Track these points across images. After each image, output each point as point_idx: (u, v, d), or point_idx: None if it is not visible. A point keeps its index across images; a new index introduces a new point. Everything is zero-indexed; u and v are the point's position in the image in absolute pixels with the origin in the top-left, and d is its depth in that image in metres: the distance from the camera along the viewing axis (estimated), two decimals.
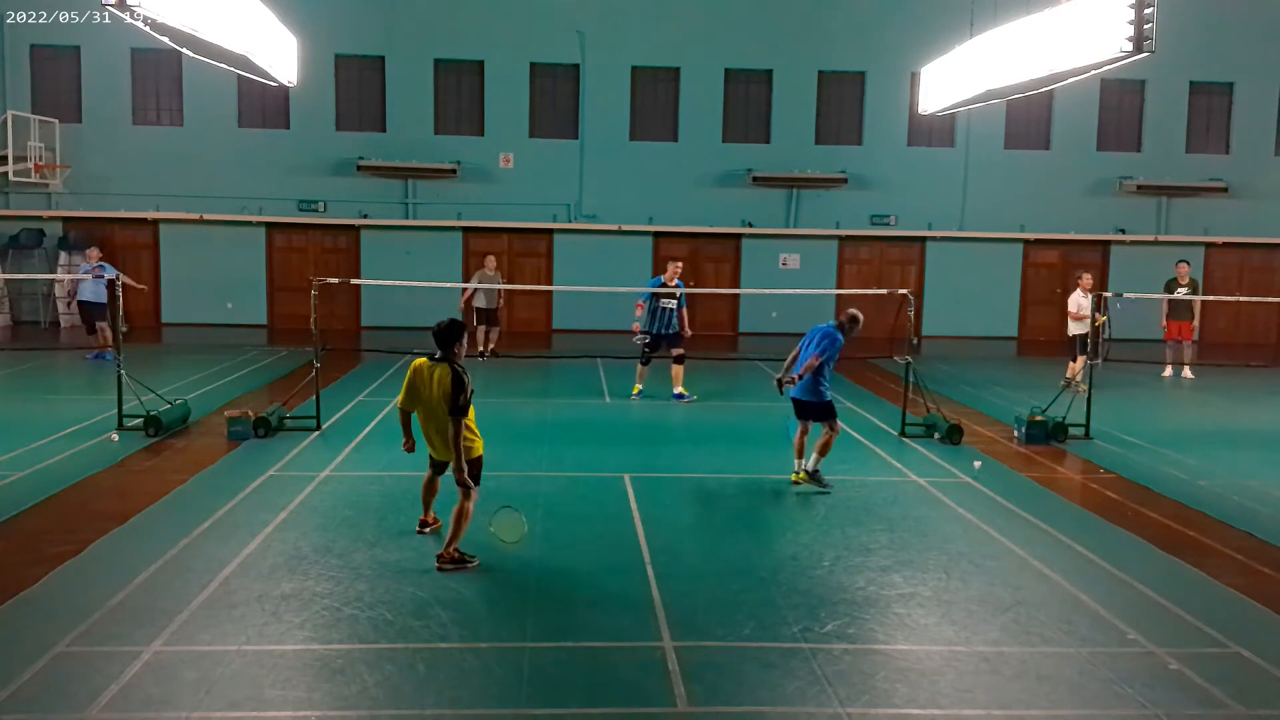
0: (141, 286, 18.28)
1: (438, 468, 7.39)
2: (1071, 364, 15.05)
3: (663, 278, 13.49)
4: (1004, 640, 5.70)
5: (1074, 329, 15.08)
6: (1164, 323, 16.68)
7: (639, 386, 13.62)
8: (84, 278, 16.12)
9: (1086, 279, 15.16)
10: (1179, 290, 16.20)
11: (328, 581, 6.38)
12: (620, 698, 4.95)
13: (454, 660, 5.28)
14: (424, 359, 6.88)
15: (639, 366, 13.63)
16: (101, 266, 15.94)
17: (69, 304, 17.18)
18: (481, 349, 16.44)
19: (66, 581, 6.30)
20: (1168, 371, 16.83)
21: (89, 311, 16.27)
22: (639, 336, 13.37)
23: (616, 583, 6.55)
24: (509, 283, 21.61)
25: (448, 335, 6.79)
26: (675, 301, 13.31)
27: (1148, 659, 5.46)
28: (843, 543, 7.46)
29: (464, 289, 16.53)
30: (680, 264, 13.76)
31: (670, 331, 13.33)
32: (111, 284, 11.36)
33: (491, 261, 16.34)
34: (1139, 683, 5.15)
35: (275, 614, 5.82)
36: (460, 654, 5.35)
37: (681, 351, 13.50)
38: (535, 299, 22.92)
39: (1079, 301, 14.80)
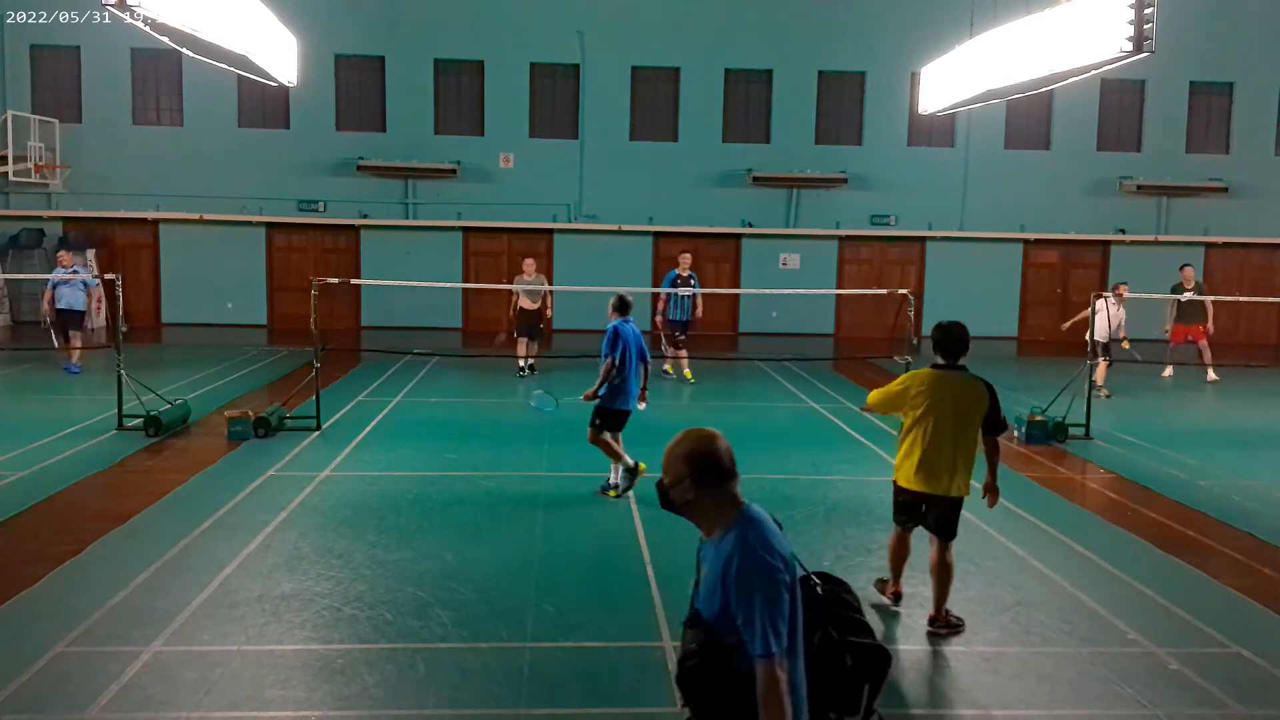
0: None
1: (915, 509, 5.96)
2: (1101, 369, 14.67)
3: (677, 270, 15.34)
4: (1004, 640, 5.70)
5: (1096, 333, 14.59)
6: (1167, 327, 16.48)
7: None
8: (68, 278, 15.03)
9: (1123, 289, 14.70)
10: (1185, 294, 16.00)
11: (328, 581, 6.37)
12: (620, 698, 4.95)
13: (454, 660, 5.28)
14: (931, 369, 5.91)
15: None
16: (75, 270, 15.35)
17: (48, 318, 15.61)
18: (522, 364, 15.53)
19: (66, 581, 6.30)
20: (1168, 372, 16.78)
21: (66, 320, 15.23)
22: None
23: (616, 583, 6.55)
24: (510, 284, 21.61)
25: (964, 339, 5.88)
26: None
27: (1148, 659, 5.46)
28: (843, 543, 7.46)
29: (512, 295, 15.84)
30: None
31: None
32: (111, 285, 11.30)
33: (531, 265, 15.70)
34: (1139, 683, 5.15)
35: (275, 614, 5.82)
36: (460, 654, 5.35)
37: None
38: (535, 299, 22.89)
39: (1111, 310, 14.38)
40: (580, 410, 8.79)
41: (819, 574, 3.33)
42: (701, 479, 2.89)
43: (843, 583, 3.34)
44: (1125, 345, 14.57)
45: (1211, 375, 16.54)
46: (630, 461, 8.58)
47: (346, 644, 5.45)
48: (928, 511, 5.85)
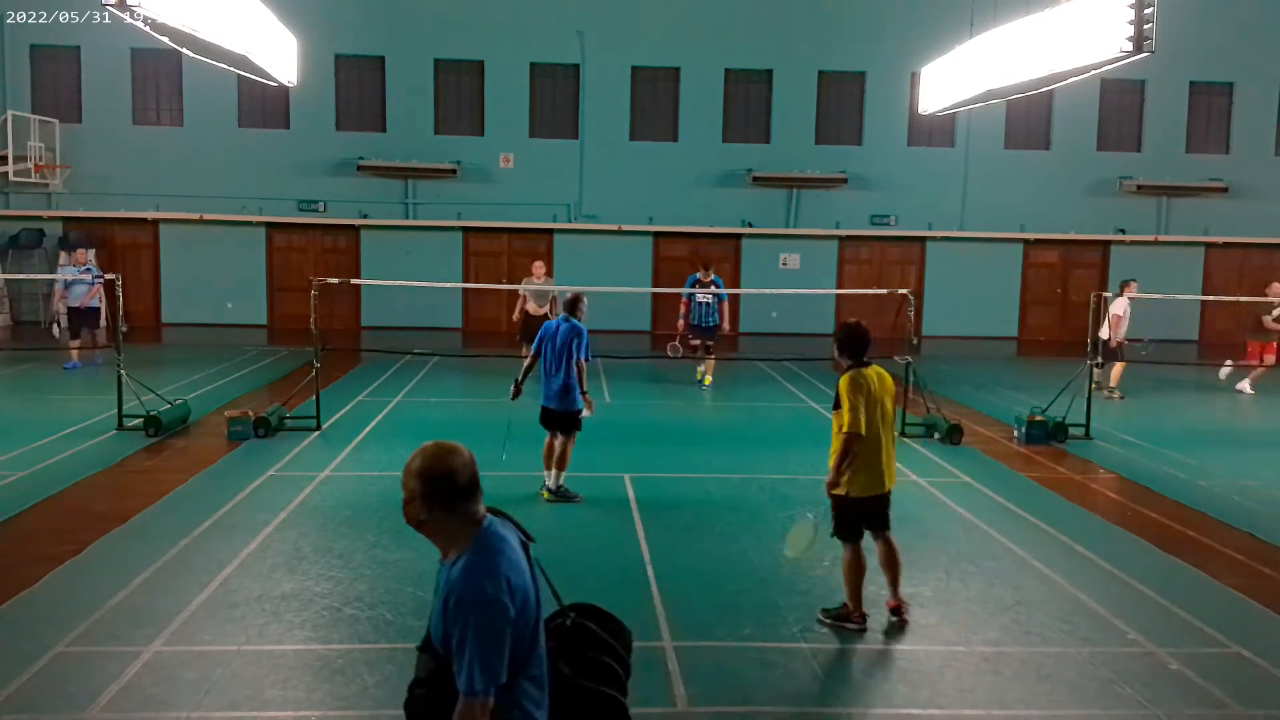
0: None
1: (875, 508, 5.85)
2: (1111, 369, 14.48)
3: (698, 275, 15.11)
4: (1004, 640, 5.70)
5: (1106, 333, 14.08)
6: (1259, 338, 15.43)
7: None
8: (79, 278, 15.44)
9: (1132, 285, 14.51)
10: (1276, 311, 14.95)
11: (328, 581, 6.37)
12: None
13: None
14: (857, 369, 5.77)
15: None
16: (89, 269, 15.72)
17: (59, 315, 16.28)
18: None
19: (66, 581, 6.30)
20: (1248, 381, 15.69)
21: (82, 318, 15.62)
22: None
23: (616, 583, 6.54)
24: (510, 283, 21.60)
25: (869, 337, 5.82)
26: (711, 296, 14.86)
27: (1148, 659, 5.46)
28: None
29: (517, 297, 15.52)
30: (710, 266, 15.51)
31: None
32: (111, 285, 11.33)
33: (540, 268, 15.34)
34: (1139, 683, 5.15)
35: (275, 614, 5.82)
36: None
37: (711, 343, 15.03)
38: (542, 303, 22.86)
39: (1125, 307, 14.19)
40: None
41: (585, 607, 3.07)
42: (435, 499, 2.70)
43: (610, 620, 3.05)
44: (1145, 349, 14.45)
45: (1248, 387, 15.47)
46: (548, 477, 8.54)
47: (346, 644, 5.45)
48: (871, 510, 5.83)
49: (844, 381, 5.73)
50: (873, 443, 5.67)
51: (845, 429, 5.61)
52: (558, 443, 8.44)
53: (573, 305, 8.54)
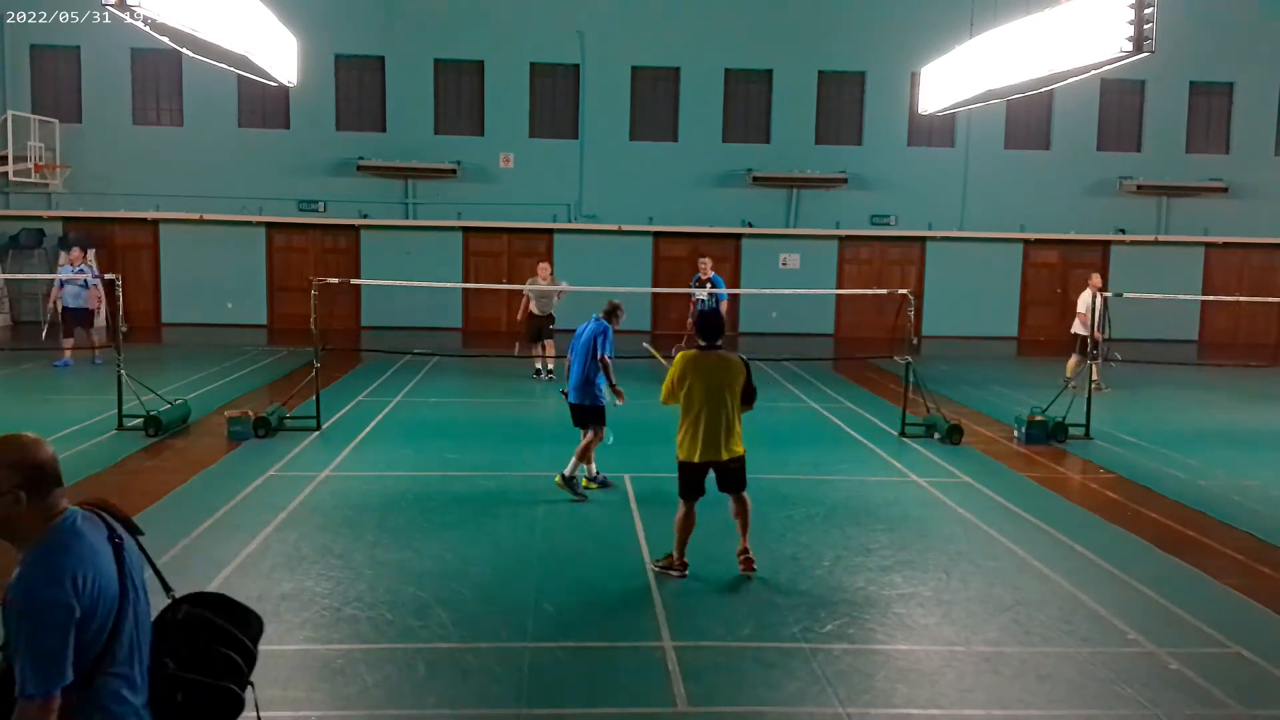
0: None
1: (703, 481, 6.63)
2: (1069, 363, 14.83)
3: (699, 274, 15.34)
4: (1004, 640, 5.70)
5: (1077, 328, 14.92)
6: None
7: None
8: (73, 277, 15.42)
9: (1095, 279, 14.78)
10: None
11: (328, 581, 6.37)
12: (620, 698, 4.95)
13: (454, 660, 5.28)
14: (692, 351, 6.63)
15: None
16: (84, 269, 15.76)
17: (51, 309, 16.40)
18: (538, 367, 15.13)
19: None
20: None
21: (72, 317, 15.63)
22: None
23: (616, 583, 6.56)
24: (510, 284, 21.60)
25: (721, 325, 6.75)
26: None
27: (1148, 659, 5.46)
28: (843, 543, 7.46)
29: (524, 297, 15.55)
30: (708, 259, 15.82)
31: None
32: (110, 285, 11.33)
33: (545, 270, 15.24)
34: (1139, 682, 5.15)
35: (275, 614, 5.81)
36: (460, 654, 5.35)
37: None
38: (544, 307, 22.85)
39: (1086, 302, 14.42)
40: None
41: (204, 596, 2.94)
42: (33, 488, 2.58)
43: (233, 607, 2.92)
44: (1118, 356, 14.44)
45: None
46: (592, 468, 8.94)
47: (346, 644, 5.45)
48: (719, 476, 6.58)
49: (678, 356, 6.63)
50: (697, 416, 6.45)
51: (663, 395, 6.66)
52: (585, 436, 8.69)
53: (611, 312, 8.87)
